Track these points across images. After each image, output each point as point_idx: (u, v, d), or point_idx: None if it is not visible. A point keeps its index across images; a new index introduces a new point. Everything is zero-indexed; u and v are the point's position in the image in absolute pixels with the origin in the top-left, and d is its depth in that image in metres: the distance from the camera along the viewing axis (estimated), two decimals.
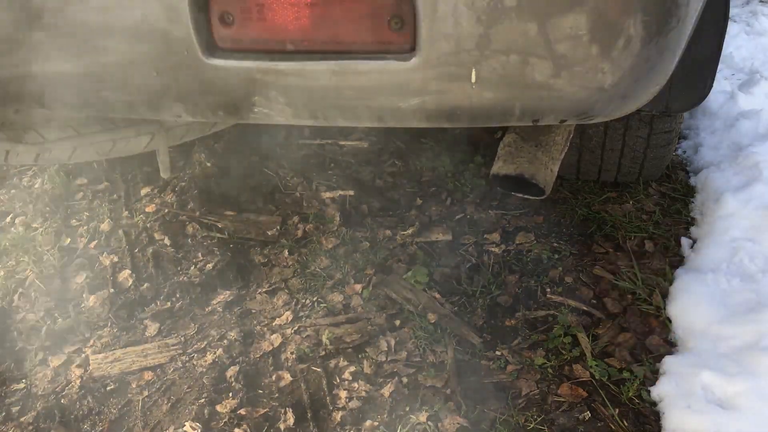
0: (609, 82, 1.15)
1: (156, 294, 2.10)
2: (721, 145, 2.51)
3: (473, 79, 1.15)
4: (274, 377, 1.84)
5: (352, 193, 2.43)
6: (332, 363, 1.86)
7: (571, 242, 2.20)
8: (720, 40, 1.71)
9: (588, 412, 1.71)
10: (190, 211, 2.38)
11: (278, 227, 2.30)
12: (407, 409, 1.74)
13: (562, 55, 1.11)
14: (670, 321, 1.91)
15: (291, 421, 1.72)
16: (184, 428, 1.71)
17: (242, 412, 1.75)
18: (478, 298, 2.02)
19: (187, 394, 1.81)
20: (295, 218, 2.34)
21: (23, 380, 1.88)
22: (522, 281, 2.08)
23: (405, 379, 1.81)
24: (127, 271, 2.17)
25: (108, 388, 1.83)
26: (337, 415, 1.72)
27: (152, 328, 1.99)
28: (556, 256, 2.15)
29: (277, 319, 2.00)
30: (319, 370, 1.85)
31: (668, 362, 1.76)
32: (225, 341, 1.94)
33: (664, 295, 1.98)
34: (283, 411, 1.75)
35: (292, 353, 1.90)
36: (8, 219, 2.41)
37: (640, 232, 2.22)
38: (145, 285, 2.12)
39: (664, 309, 1.94)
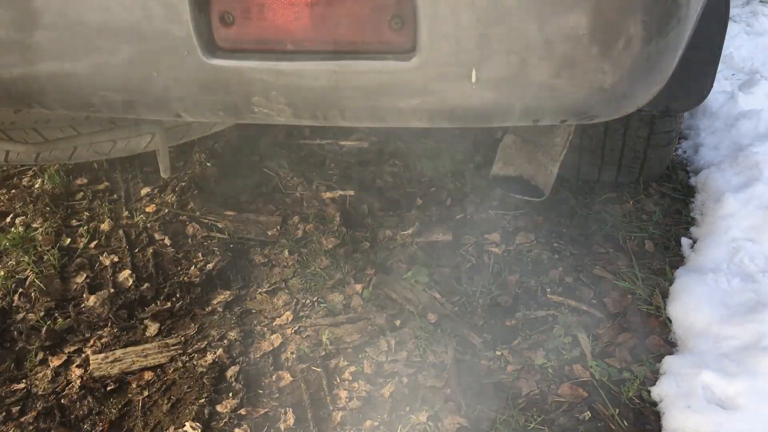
0: (609, 82, 1.15)
1: (156, 294, 2.10)
2: (722, 145, 2.51)
3: (473, 79, 1.15)
4: (274, 377, 1.84)
5: (352, 193, 2.43)
6: (332, 363, 1.86)
7: (571, 242, 2.20)
8: (720, 40, 1.71)
9: (588, 412, 1.71)
10: (190, 211, 2.38)
11: (278, 227, 2.30)
12: (407, 409, 1.74)
13: (562, 55, 1.11)
14: (670, 321, 1.91)
15: (291, 421, 1.72)
16: (185, 428, 1.71)
17: (242, 412, 1.75)
18: (478, 298, 2.02)
19: (187, 394, 1.81)
20: (295, 218, 2.34)
21: (23, 380, 1.88)
22: (522, 281, 2.07)
23: (405, 379, 1.81)
24: (127, 271, 2.17)
25: (108, 388, 1.83)
26: (338, 415, 1.72)
27: (152, 328, 1.99)
28: (556, 256, 2.15)
29: (278, 319, 2.00)
30: (319, 370, 1.85)
31: (668, 362, 1.76)
32: (225, 341, 1.94)
33: (664, 295, 1.98)
34: (283, 411, 1.75)
35: (292, 353, 1.90)
36: (8, 219, 2.41)
37: (640, 232, 2.22)
38: (145, 285, 2.12)
39: (664, 309, 1.94)
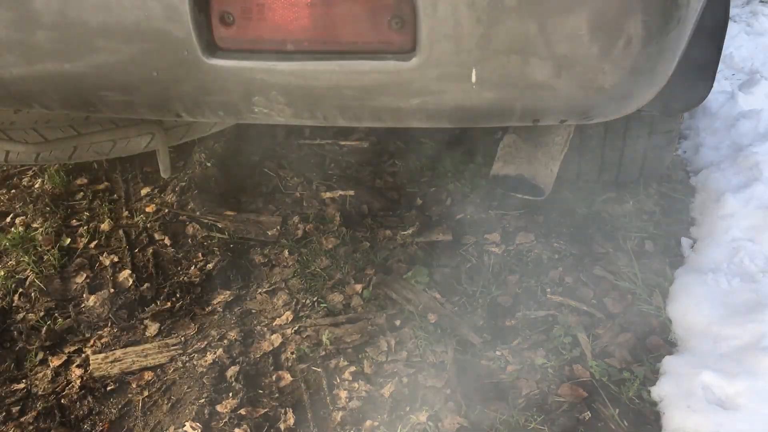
0: (609, 83, 1.15)
1: (156, 294, 2.10)
2: (722, 145, 2.51)
3: (473, 79, 1.15)
4: (274, 377, 1.84)
5: (352, 193, 2.43)
6: (332, 363, 1.86)
7: (571, 242, 2.20)
8: (720, 40, 1.71)
9: (588, 412, 1.71)
10: (190, 211, 2.38)
11: (278, 227, 2.30)
12: (407, 409, 1.73)
13: (562, 55, 1.11)
14: (670, 321, 1.91)
15: (291, 421, 1.72)
16: (185, 428, 1.71)
17: (242, 412, 1.75)
18: (478, 298, 2.02)
19: (187, 394, 1.81)
20: (295, 218, 2.34)
21: (23, 380, 1.88)
22: (522, 281, 2.07)
23: (405, 379, 1.80)
24: (127, 271, 2.17)
25: (108, 388, 1.83)
26: (338, 415, 1.72)
27: (152, 328, 1.99)
28: (556, 256, 2.15)
29: (278, 319, 2.00)
30: (319, 370, 1.85)
31: (668, 362, 1.76)
32: (225, 341, 1.94)
33: (664, 295, 1.98)
34: (283, 411, 1.75)
35: (292, 353, 1.90)
36: (8, 219, 2.41)
37: (640, 232, 2.22)
38: (145, 285, 2.12)
39: (664, 309, 1.94)
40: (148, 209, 2.41)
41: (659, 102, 1.76)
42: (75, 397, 1.81)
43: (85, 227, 2.34)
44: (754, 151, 2.36)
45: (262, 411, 1.75)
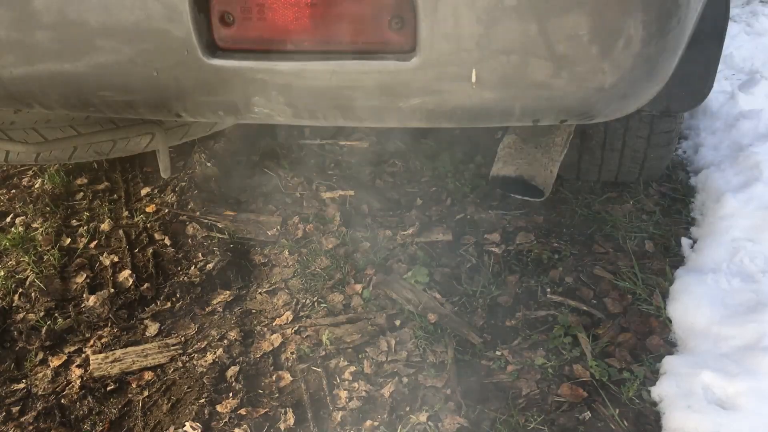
0: (609, 83, 1.15)
1: (156, 294, 2.10)
2: (722, 145, 2.51)
3: (473, 79, 1.15)
4: (274, 377, 1.84)
5: (352, 193, 2.43)
6: (332, 363, 1.86)
7: (571, 242, 2.20)
8: (720, 40, 1.71)
9: (588, 412, 1.71)
10: (190, 211, 2.38)
11: (278, 227, 2.30)
12: (407, 409, 1.73)
13: (562, 55, 1.11)
14: (671, 321, 1.91)
15: (291, 421, 1.72)
16: (185, 428, 1.71)
17: (242, 412, 1.75)
18: (478, 298, 2.02)
19: (187, 394, 1.81)
20: (295, 218, 2.34)
21: (23, 380, 1.88)
22: (522, 281, 2.07)
23: (405, 379, 1.81)
24: (127, 271, 2.17)
25: (108, 388, 1.83)
26: (338, 415, 1.72)
27: (152, 328, 1.99)
28: (556, 256, 2.15)
29: (278, 319, 2.00)
30: (319, 370, 1.85)
31: (668, 362, 1.76)
32: (225, 341, 1.94)
33: (664, 295, 1.98)
34: (283, 411, 1.75)
35: (292, 353, 1.90)
36: (8, 219, 2.41)
37: (640, 232, 2.22)
38: (145, 285, 2.12)
39: (664, 309, 1.94)
40: (148, 209, 2.41)
41: (659, 102, 1.77)
42: (75, 397, 1.82)
43: (85, 227, 2.34)
44: (754, 151, 2.37)
45: (262, 411, 1.75)
